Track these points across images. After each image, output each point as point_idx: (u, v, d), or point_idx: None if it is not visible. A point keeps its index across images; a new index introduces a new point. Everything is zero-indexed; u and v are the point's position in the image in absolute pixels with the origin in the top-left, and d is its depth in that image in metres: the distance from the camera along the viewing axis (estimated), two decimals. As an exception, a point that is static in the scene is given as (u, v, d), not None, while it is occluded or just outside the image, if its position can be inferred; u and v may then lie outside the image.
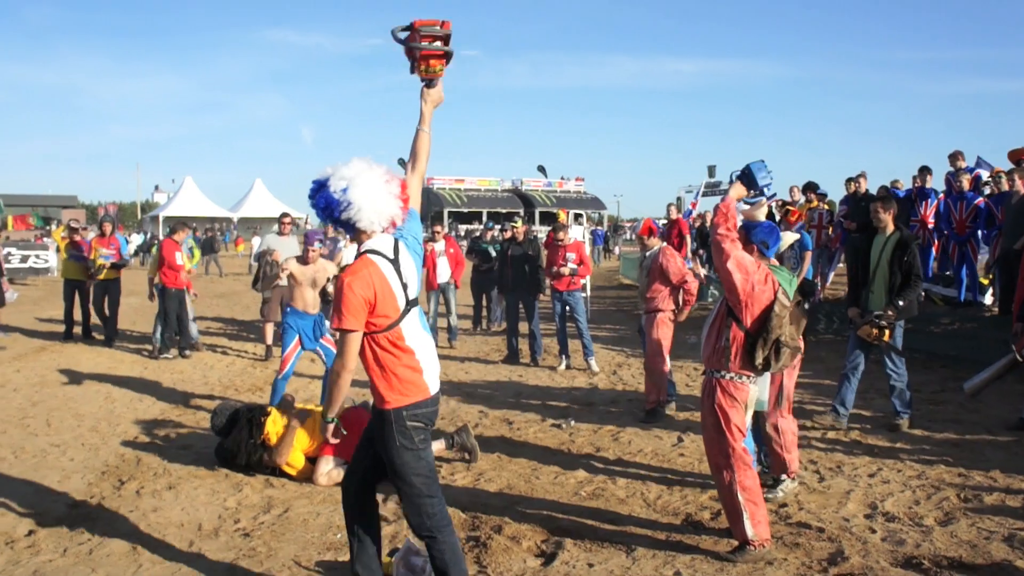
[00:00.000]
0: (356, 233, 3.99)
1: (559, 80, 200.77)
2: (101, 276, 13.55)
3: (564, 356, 11.84)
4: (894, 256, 7.54)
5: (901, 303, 7.53)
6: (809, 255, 12.18)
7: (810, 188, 14.74)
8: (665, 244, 9.36)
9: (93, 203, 79.80)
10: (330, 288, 9.03)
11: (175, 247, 12.61)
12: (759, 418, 6.11)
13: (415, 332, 4.01)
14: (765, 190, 5.80)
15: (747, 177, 5.50)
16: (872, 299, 7.75)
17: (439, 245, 14.22)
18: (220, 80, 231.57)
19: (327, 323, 8.80)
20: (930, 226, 13.02)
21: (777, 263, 5.39)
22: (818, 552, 5.09)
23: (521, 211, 58.66)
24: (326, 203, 3.92)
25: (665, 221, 18.42)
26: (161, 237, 19.18)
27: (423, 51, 4.10)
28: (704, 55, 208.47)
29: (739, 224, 5.34)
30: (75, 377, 10.94)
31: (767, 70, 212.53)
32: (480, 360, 12.62)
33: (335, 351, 8.68)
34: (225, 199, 61.30)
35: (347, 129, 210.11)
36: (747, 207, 6.44)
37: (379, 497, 6.11)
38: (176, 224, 13.49)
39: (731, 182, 5.59)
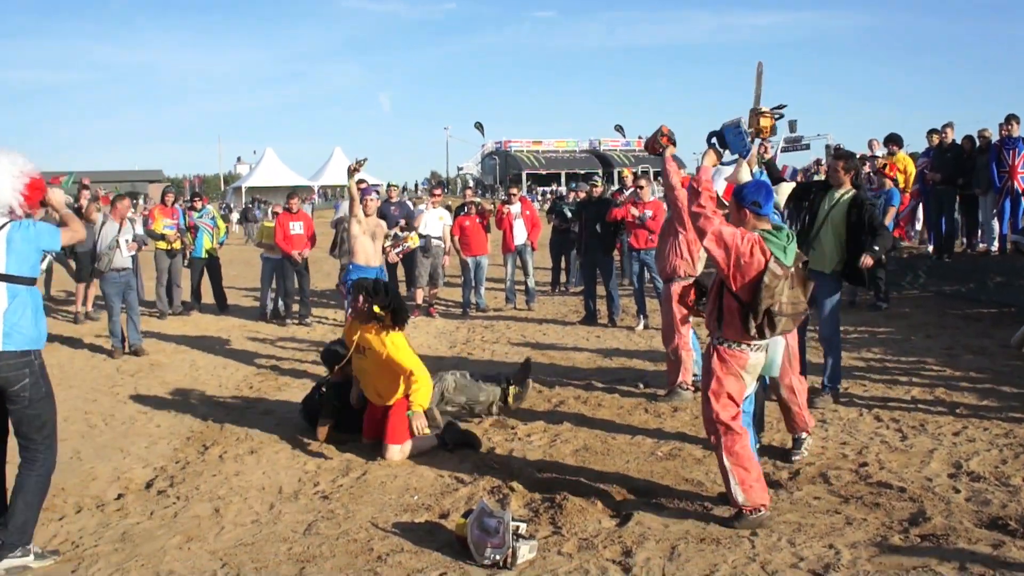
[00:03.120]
0: None
1: (635, 38, 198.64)
2: (163, 246, 13.80)
3: (642, 316, 11.76)
4: (849, 213, 7.01)
5: (876, 247, 6.93)
6: (893, 211, 11.83)
7: (892, 140, 14.30)
8: None
9: (178, 176, 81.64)
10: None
11: (289, 217, 13.09)
12: (766, 385, 6.11)
13: None
14: (743, 153, 5.66)
15: (721, 141, 5.39)
16: (814, 255, 6.96)
17: (515, 207, 14.20)
18: (297, 51, 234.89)
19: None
20: (1020, 176, 12.54)
21: (775, 223, 5.15)
22: (899, 512, 5.00)
23: (600, 171, 58.38)
24: None
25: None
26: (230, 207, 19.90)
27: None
28: (781, 7, 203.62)
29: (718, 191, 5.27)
30: (162, 346, 11.28)
31: (845, 20, 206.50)
32: (558, 322, 12.62)
33: None
34: (305, 168, 62.19)
35: (424, 95, 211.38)
36: (729, 173, 6.33)
37: (456, 458, 6.22)
38: (290, 194, 14.05)
39: (708, 146, 5.53)
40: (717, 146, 5.48)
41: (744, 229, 4.93)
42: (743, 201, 5.05)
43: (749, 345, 4.94)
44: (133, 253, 11.15)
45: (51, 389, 4.82)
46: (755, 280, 4.77)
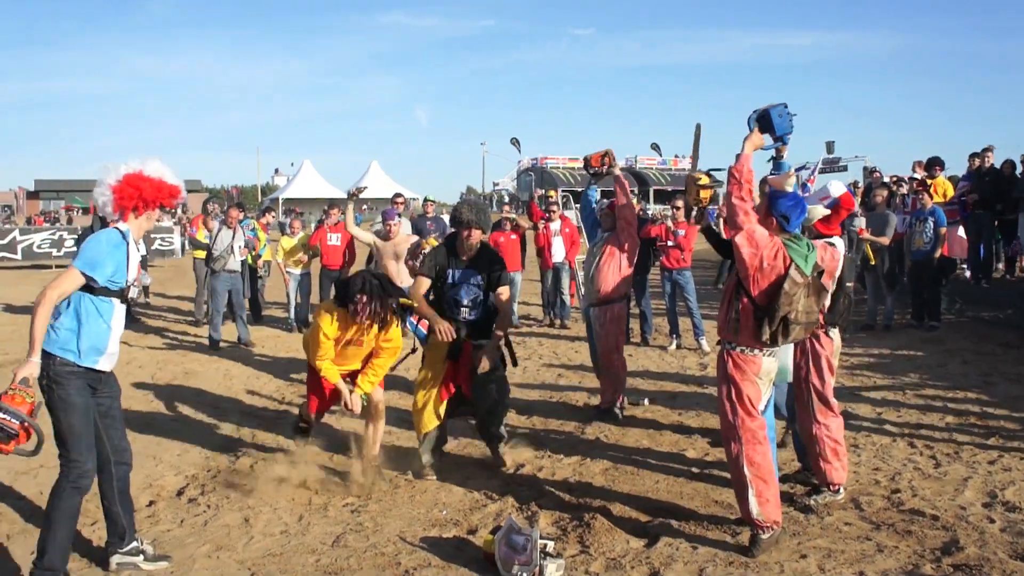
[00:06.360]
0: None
1: (672, 57, 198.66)
2: (201, 255, 13.78)
3: (674, 336, 11.72)
4: None
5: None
6: (944, 231, 11.68)
7: (935, 163, 14.17)
8: None
9: (216, 187, 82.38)
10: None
11: (328, 229, 13.42)
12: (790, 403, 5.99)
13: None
14: (785, 138, 5.33)
15: (765, 122, 5.12)
16: None
17: (555, 224, 14.10)
18: (336, 64, 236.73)
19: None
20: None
21: (797, 235, 4.99)
22: (931, 541, 4.94)
23: (636, 189, 58.01)
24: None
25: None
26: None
27: None
28: (820, 27, 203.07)
29: (762, 192, 5.08)
30: (196, 355, 11.39)
31: (884, 41, 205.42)
32: (590, 340, 12.56)
33: (419, 324, 8.86)
34: (342, 181, 62.65)
35: (461, 110, 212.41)
36: (775, 176, 6.07)
37: (485, 474, 6.21)
38: (330, 204, 14.28)
39: (750, 129, 5.12)
40: (761, 127, 5.17)
41: (772, 232, 4.91)
42: (774, 209, 4.98)
43: (762, 351, 4.88)
44: (243, 258, 12.63)
45: None
46: (773, 286, 4.74)
